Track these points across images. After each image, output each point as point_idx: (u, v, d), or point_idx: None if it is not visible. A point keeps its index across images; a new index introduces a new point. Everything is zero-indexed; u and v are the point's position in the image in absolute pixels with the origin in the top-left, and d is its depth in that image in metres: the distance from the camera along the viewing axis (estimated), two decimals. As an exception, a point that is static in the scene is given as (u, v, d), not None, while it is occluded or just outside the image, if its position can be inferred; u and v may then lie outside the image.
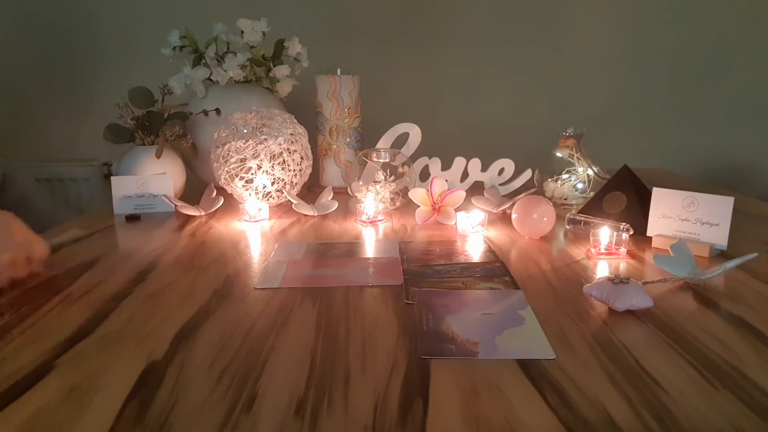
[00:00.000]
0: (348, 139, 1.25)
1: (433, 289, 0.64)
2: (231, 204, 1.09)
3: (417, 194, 0.97)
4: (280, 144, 1.02)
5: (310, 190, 1.27)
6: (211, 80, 1.24)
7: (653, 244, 0.83)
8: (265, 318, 0.57)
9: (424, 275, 0.70)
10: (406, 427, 0.39)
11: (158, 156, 1.10)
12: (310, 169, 1.11)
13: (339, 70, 1.23)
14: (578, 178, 1.12)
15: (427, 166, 1.15)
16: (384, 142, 1.15)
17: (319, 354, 0.50)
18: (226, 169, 1.02)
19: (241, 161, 1.01)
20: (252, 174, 1.02)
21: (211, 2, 1.60)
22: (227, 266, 0.75)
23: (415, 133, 1.15)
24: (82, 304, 0.62)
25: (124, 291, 0.66)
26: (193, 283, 0.68)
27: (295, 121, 1.09)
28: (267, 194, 1.05)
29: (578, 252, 0.81)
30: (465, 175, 1.17)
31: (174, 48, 1.24)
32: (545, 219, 0.85)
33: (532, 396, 0.43)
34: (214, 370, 0.47)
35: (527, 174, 1.16)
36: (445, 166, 1.16)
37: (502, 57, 1.68)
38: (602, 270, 0.74)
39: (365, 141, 1.28)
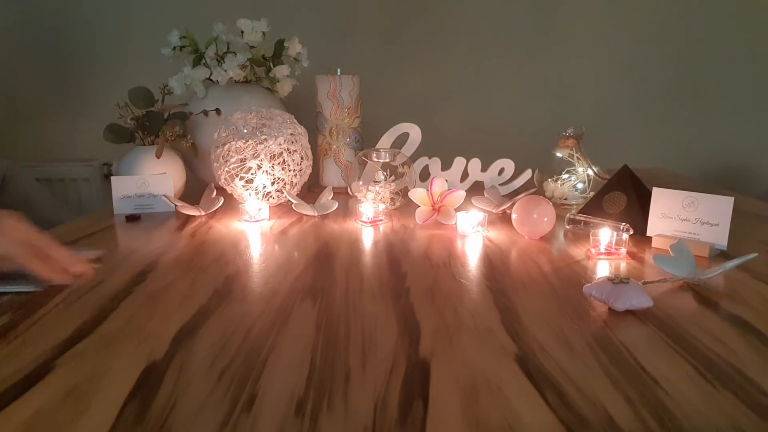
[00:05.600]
0: (348, 139, 1.25)
1: None
2: (231, 204, 1.09)
3: (417, 194, 0.97)
4: (280, 144, 1.02)
5: (310, 190, 1.27)
6: (211, 80, 1.24)
7: (653, 244, 0.83)
8: (265, 318, 0.57)
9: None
10: (406, 427, 0.39)
11: (158, 156, 1.10)
12: (310, 169, 1.11)
13: (339, 70, 1.23)
14: (578, 178, 1.12)
15: (427, 166, 1.16)
16: (384, 142, 1.15)
17: (319, 354, 0.50)
18: (226, 169, 1.02)
19: (241, 161, 1.01)
20: (252, 174, 1.02)
21: (211, 2, 1.61)
22: (227, 266, 0.75)
23: (415, 133, 1.15)
24: (82, 304, 0.62)
25: (124, 291, 0.66)
26: (193, 283, 0.68)
27: (295, 121, 1.09)
28: (267, 194, 1.05)
29: (578, 252, 0.81)
30: (465, 175, 1.17)
31: (174, 48, 1.24)
32: (545, 219, 0.85)
33: (532, 396, 0.43)
34: (214, 370, 0.47)
35: (527, 174, 1.16)
36: (445, 166, 1.16)
37: (502, 57, 1.68)
38: (602, 270, 0.74)
39: (365, 141, 1.28)
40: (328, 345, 0.51)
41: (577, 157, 1.12)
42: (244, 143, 1.00)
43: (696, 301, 0.62)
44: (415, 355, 0.49)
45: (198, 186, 1.22)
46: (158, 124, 1.15)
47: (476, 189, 1.13)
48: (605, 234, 0.78)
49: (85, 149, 1.69)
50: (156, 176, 1.06)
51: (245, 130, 1.02)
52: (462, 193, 0.97)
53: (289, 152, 1.04)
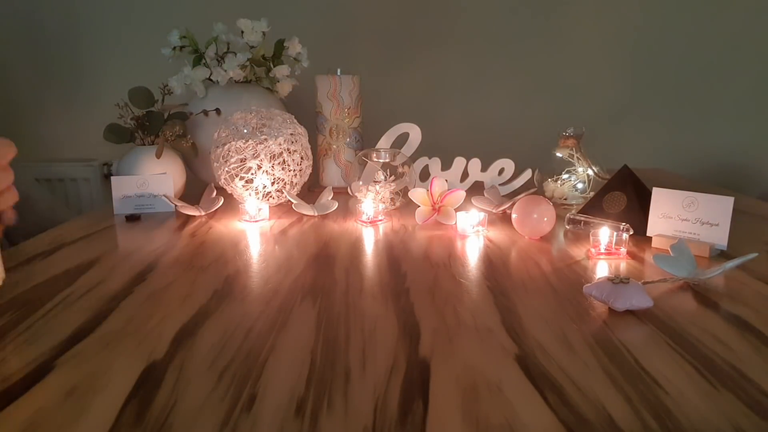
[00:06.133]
0: (348, 139, 1.25)
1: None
2: (231, 204, 1.09)
3: (417, 194, 0.97)
4: (280, 144, 1.02)
5: (310, 190, 1.27)
6: (211, 80, 1.24)
7: (653, 244, 0.83)
8: (265, 318, 0.57)
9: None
10: (406, 427, 0.39)
11: (158, 156, 1.10)
12: (310, 169, 1.11)
13: (339, 70, 1.23)
14: (578, 178, 1.12)
15: (427, 166, 1.16)
16: (384, 142, 1.15)
17: (319, 354, 0.50)
18: (226, 169, 1.02)
19: (241, 161, 1.01)
20: (252, 174, 1.02)
21: (211, 2, 1.61)
22: (227, 266, 0.75)
23: (415, 133, 1.15)
24: (82, 304, 0.62)
25: (124, 291, 0.66)
26: (193, 283, 0.68)
27: (295, 121, 1.09)
28: (267, 194, 1.05)
29: (578, 252, 0.81)
30: (465, 175, 1.17)
31: (174, 48, 1.24)
32: (545, 219, 0.85)
33: (532, 396, 0.43)
34: (214, 370, 0.47)
35: (527, 174, 1.16)
36: (445, 166, 1.16)
37: (502, 57, 1.68)
38: (602, 270, 0.74)
39: (365, 141, 1.28)
40: (328, 345, 0.51)
41: (577, 157, 1.12)
42: (244, 143, 1.00)
43: (696, 301, 0.62)
44: (415, 355, 0.49)
45: (198, 186, 1.22)
46: (158, 124, 1.15)
47: (476, 189, 1.13)
48: (605, 234, 0.78)
49: (85, 149, 1.69)
50: (156, 176, 1.06)
51: (245, 130, 1.02)
52: (462, 193, 0.97)
53: (289, 152, 1.04)
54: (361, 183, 1.04)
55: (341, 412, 0.41)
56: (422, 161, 1.15)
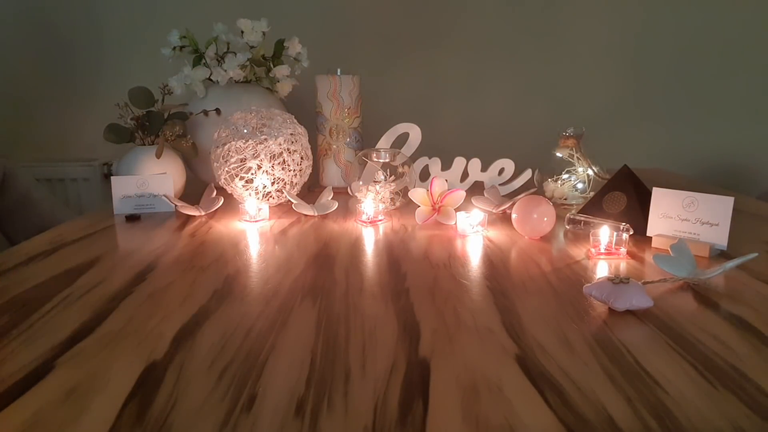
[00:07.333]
0: (348, 139, 1.25)
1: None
2: (231, 204, 1.09)
3: (417, 194, 0.97)
4: (280, 144, 1.02)
5: (310, 190, 1.27)
6: (211, 80, 1.24)
7: (653, 244, 0.83)
8: (265, 318, 0.57)
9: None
10: (406, 427, 0.39)
11: (158, 156, 1.10)
12: (310, 169, 1.11)
13: (339, 70, 1.23)
14: (578, 178, 1.12)
15: (427, 166, 1.15)
16: (384, 142, 1.15)
17: (319, 354, 0.50)
18: (226, 169, 1.02)
19: (241, 161, 1.01)
20: (252, 174, 1.02)
21: (211, 2, 1.60)
22: (227, 266, 0.75)
23: (415, 133, 1.15)
24: (82, 304, 0.62)
25: (124, 291, 0.66)
26: (193, 283, 0.68)
27: (295, 121, 1.09)
28: (267, 194, 1.05)
29: (578, 252, 0.81)
30: (465, 175, 1.17)
31: (174, 48, 1.24)
32: (545, 219, 0.85)
33: (532, 396, 0.43)
34: (214, 370, 0.47)
35: (527, 174, 1.16)
36: (445, 166, 1.16)
37: (502, 57, 1.68)
38: (602, 270, 0.74)
39: (365, 141, 1.28)
40: (328, 345, 0.51)
41: (577, 157, 1.12)
42: (244, 143, 1.00)
43: (696, 301, 0.62)
44: (415, 355, 0.49)
45: (198, 186, 1.22)
46: (158, 124, 1.15)
47: (476, 189, 1.13)
48: (605, 234, 0.78)
49: (85, 149, 1.69)
50: (156, 176, 1.06)
51: (245, 130, 1.02)
52: (462, 193, 0.97)
53: (289, 152, 1.04)
54: (361, 183, 1.04)
55: (341, 412, 0.41)
56: (422, 161, 1.15)
